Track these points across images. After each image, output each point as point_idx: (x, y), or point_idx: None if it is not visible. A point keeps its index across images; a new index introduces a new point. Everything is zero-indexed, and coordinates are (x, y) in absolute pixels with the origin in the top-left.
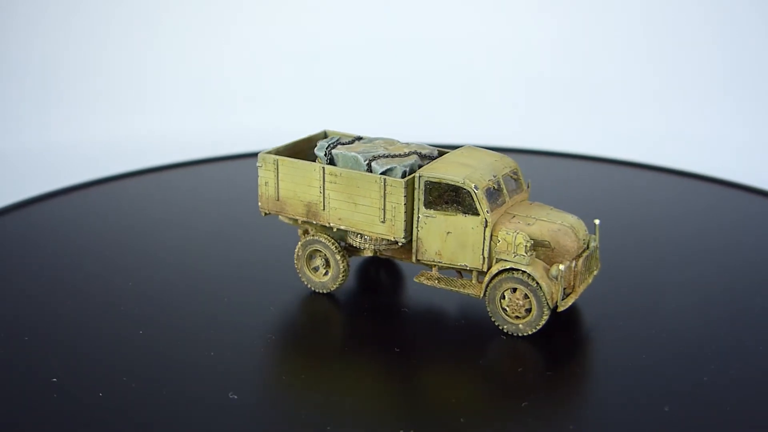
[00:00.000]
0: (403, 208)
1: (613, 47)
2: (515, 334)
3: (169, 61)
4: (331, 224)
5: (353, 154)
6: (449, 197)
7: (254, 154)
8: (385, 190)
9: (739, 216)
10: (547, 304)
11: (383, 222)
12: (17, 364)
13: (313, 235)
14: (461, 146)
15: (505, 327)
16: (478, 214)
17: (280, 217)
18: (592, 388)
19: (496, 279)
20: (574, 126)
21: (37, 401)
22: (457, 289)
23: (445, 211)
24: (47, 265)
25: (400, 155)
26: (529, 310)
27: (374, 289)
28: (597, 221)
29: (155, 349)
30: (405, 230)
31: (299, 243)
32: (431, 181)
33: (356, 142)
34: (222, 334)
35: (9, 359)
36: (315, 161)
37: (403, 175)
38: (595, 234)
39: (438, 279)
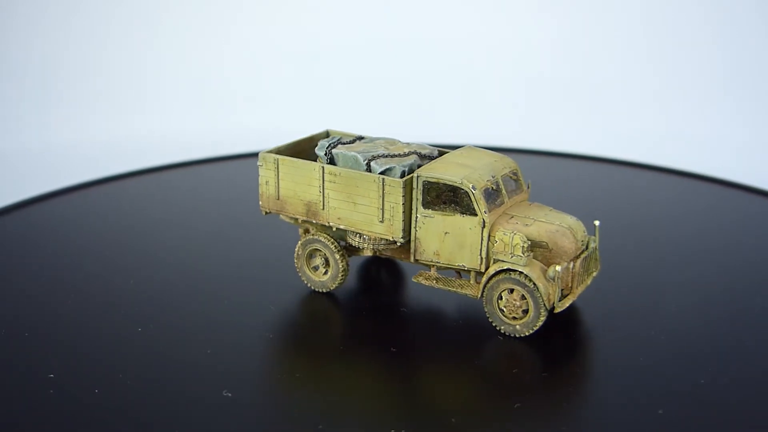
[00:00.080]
0: (401, 208)
1: (613, 47)
2: (512, 335)
3: (169, 61)
4: (331, 223)
5: (353, 153)
6: (447, 197)
7: (254, 154)
8: (383, 189)
9: (739, 216)
10: (544, 305)
11: (382, 222)
12: (17, 364)
13: (312, 235)
14: (462, 146)
15: (502, 328)
16: (475, 215)
17: (281, 216)
18: (590, 388)
19: (494, 279)
20: (574, 126)
21: (37, 401)
22: (454, 289)
23: (443, 211)
24: (47, 265)
25: (399, 155)
26: (526, 311)
27: (374, 289)
28: (597, 222)
29: (155, 348)
30: (403, 230)
31: (299, 242)
32: (429, 181)
33: (357, 141)
34: (222, 334)
35: (9, 359)
36: (316, 161)
37: (402, 175)
38: (594, 235)
39: (436, 279)
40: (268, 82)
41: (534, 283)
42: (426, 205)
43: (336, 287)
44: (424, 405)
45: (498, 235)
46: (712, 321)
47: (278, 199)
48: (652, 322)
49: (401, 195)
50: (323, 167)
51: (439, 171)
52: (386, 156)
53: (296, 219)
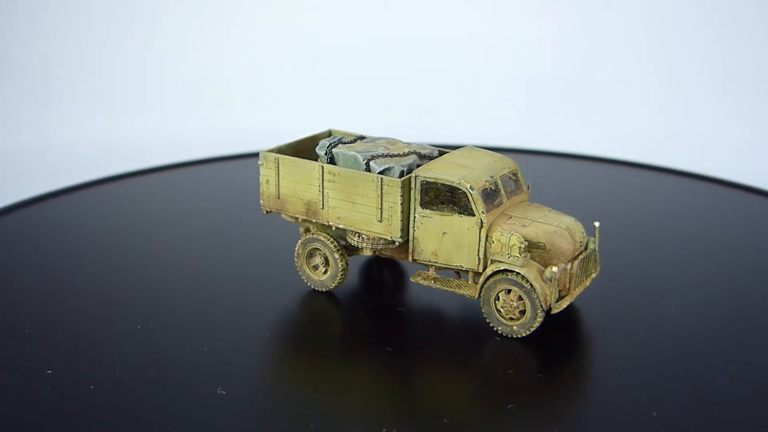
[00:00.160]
0: (399, 208)
1: (613, 47)
2: (510, 336)
3: (169, 61)
4: (330, 223)
5: (353, 153)
6: (445, 197)
7: (254, 154)
8: (382, 189)
9: (739, 216)
10: (541, 306)
11: (380, 221)
12: (17, 363)
13: (312, 234)
14: (462, 146)
15: (499, 328)
16: (473, 215)
17: (282, 215)
18: (589, 388)
19: (491, 280)
20: (574, 126)
21: (37, 401)
22: (452, 289)
23: (441, 211)
24: (47, 265)
25: (398, 155)
26: (523, 312)
27: (375, 289)
28: (597, 223)
29: (155, 348)
30: (402, 230)
31: (299, 241)
32: (428, 181)
33: (358, 141)
34: (222, 334)
35: (9, 359)
36: (317, 160)
37: (401, 175)
38: (594, 236)
39: (434, 279)
40: (268, 82)
41: (531, 284)
42: (424, 205)
43: (335, 286)
44: (418, 405)
45: (495, 235)
46: (712, 321)
47: (279, 198)
48: (652, 322)
49: (399, 195)
50: (323, 167)
51: (437, 171)
52: (386, 156)
53: (297, 218)
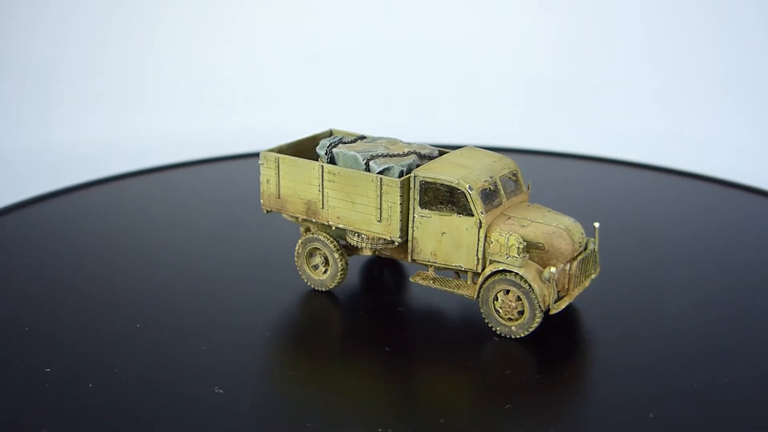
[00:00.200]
0: (398, 208)
1: (613, 47)
2: (508, 336)
3: (169, 61)
4: (330, 222)
5: (353, 153)
6: (444, 197)
7: (254, 154)
8: (381, 189)
9: (739, 216)
10: (539, 306)
11: (380, 221)
12: (17, 363)
13: (312, 233)
14: (462, 146)
15: (498, 329)
16: (472, 215)
17: (283, 214)
18: (589, 388)
19: (490, 280)
20: (574, 126)
21: (36, 401)
22: (451, 289)
23: (440, 211)
24: (47, 265)
25: (398, 155)
26: (521, 313)
27: (375, 288)
28: (597, 224)
29: (155, 348)
30: (401, 230)
31: (299, 241)
32: (426, 181)
33: (359, 141)
34: (222, 334)
35: (9, 359)
36: (318, 160)
37: (400, 175)
38: (594, 237)
39: (433, 279)
40: (268, 82)
41: (529, 285)
42: (423, 205)
43: (335, 286)
44: (415, 405)
45: (494, 235)
46: (712, 321)
47: (279, 197)
48: (652, 322)
49: (399, 195)
50: (322, 166)
51: (436, 171)
52: (385, 156)
53: (297, 218)
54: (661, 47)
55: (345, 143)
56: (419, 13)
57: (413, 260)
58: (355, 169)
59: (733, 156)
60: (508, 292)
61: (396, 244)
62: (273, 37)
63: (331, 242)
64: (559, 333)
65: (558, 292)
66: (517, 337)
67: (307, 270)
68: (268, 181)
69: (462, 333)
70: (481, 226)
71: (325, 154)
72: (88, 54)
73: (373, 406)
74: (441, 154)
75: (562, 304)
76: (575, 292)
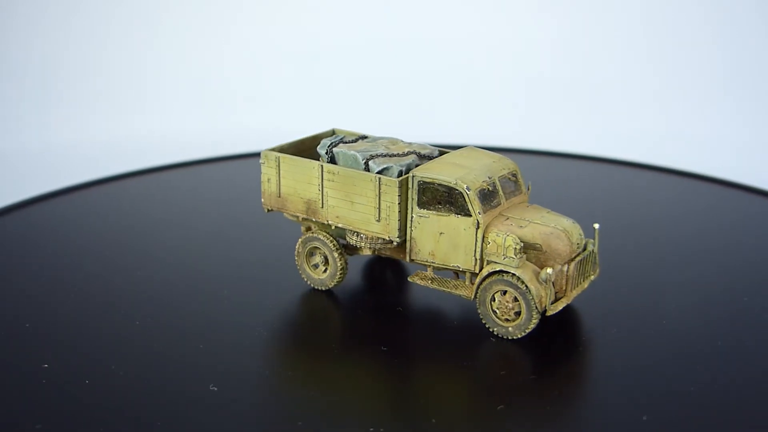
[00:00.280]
0: (397, 208)
1: (613, 47)
2: (505, 337)
3: (169, 61)
4: (330, 222)
5: (353, 152)
6: (442, 198)
7: (254, 154)
8: (379, 189)
9: (739, 216)
10: (536, 307)
11: (378, 221)
12: (17, 363)
13: (312, 233)
14: (463, 146)
15: (495, 329)
16: (470, 216)
17: (284, 213)
18: (584, 390)
19: (487, 281)
20: (574, 126)
21: (36, 401)
22: (449, 290)
23: (438, 211)
24: (47, 265)
25: (398, 155)
26: (518, 313)
27: (375, 288)
28: (596, 226)
29: (155, 348)
30: (399, 229)
31: (299, 240)
32: (425, 181)
33: (360, 141)
34: (222, 334)
35: (9, 359)
36: (319, 159)
37: (399, 175)
38: (594, 238)
39: (431, 279)
40: (268, 82)
41: (526, 286)
42: (421, 205)
43: (335, 285)
44: (408, 405)
45: (491, 236)
46: (712, 321)
47: (279, 196)
48: (652, 322)
49: (397, 194)
50: (322, 166)
51: (434, 171)
52: (385, 155)
53: (297, 217)
54: (661, 47)
55: (346, 143)
56: (419, 13)
57: (411, 260)
58: (355, 168)
59: (733, 156)
60: (505, 292)
61: (395, 243)
62: (273, 37)
63: (331, 241)
64: (558, 334)
65: (555, 293)
66: (514, 338)
67: (307, 269)
68: (268, 180)
69: (460, 333)
70: (478, 227)
71: (326, 153)
72: (88, 54)
73: (367, 406)
74: (441, 154)
75: (559, 306)
76: (573, 294)
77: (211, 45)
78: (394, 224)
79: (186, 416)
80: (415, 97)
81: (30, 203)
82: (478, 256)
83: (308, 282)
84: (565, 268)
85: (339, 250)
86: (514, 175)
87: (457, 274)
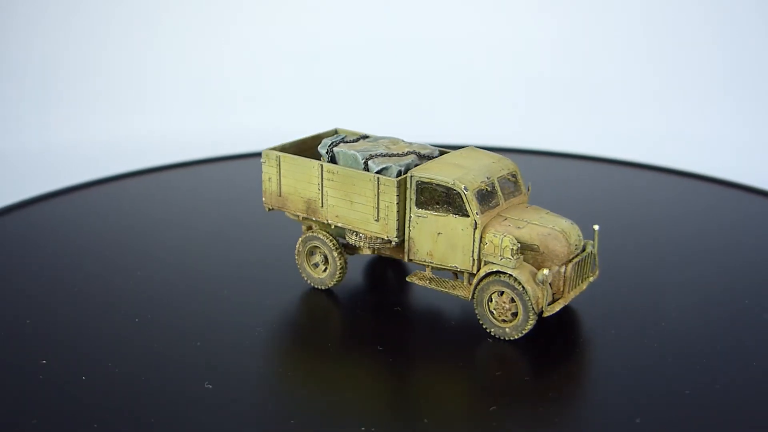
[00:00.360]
0: (395, 207)
1: (613, 47)
2: (502, 338)
3: (169, 61)
4: (329, 221)
5: (353, 152)
6: (440, 198)
7: (254, 154)
8: (378, 188)
9: (739, 216)
10: (533, 308)
11: (377, 220)
12: (17, 363)
13: (312, 232)
14: (463, 147)
15: (492, 330)
16: (468, 216)
17: (286, 213)
18: (579, 391)
19: (484, 281)
20: (574, 126)
21: (34, 398)
22: (447, 290)
23: (436, 211)
24: (47, 265)
25: (397, 155)
26: (515, 314)
27: (376, 288)
28: (596, 227)
29: (155, 348)
30: (398, 229)
31: (300, 239)
32: (423, 181)
33: (361, 140)
34: (222, 334)
35: (9, 359)
36: (320, 159)
37: (398, 175)
38: (593, 240)
39: (430, 279)
40: (268, 82)
41: (523, 286)
42: (419, 205)
43: (334, 285)
44: (401, 405)
45: (488, 236)
46: (712, 321)
47: (280, 195)
48: (652, 322)
49: (395, 194)
50: (322, 165)
51: (432, 171)
52: (384, 155)
53: (298, 216)
54: (661, 47)
55: (347, 142)
56: (419, 13)
57: (409, 260)
58: (355, 168)
59: (733, 156)
60: (502, 293)
61: (393, 243)
62: (273, 37)
63: (331, 241)
64: (556, 335)
65: (553, 294)
66: (511, 338)
67: (307, 268)
68: (269, 179)
69: (457, 333)
70: (476, 227)
71: (326, 152)
72: (88, 54)
73: (365, 406)
74: (441, 154)
75: (556, 307)
76: (570, 295)
77: (211, 45)
78: (393, 224)
79: (186, 416)
80: (415, 97)
81: (30, 203)
82: (475, 257)
83: (308, 281)
84: (563, 269)
85: (338, 250)
86: (514, 176)
87: (456, 274)
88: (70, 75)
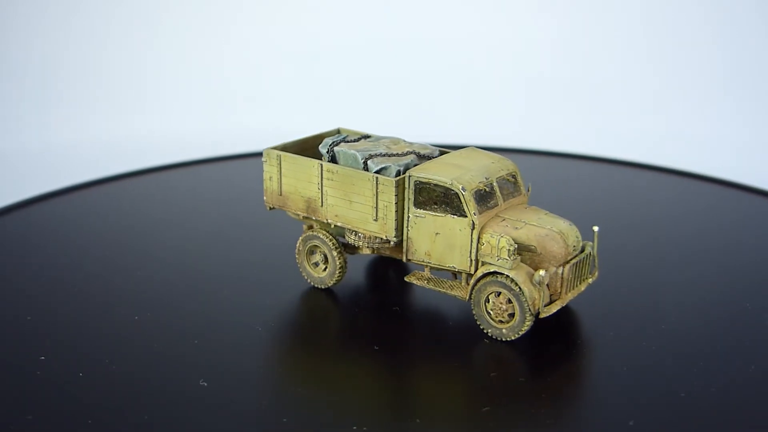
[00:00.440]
0: (393, 207)
1: (613, 47)
2: (499, 339)
3: (169, 61)
4: (329, 220)
5: (353, 152)
6: (438, 198)
7: (254, 154)
8: (377, 188)
9: (739, 216)
10: (529, 309)
11: (376, 220)
12: (18, 363)
13: (313, 231)
14: (464, 147)
15: (489, 331)
16: (465, 216)
17: (287, 212)
18: (574, 392)
19: (481, 282)
20: (574, 126)
21: (33, 398)
22: (444, 290)
23: (434, 211)
24: (47, 265)
25: (397, 154)
26: (512, 315)
27: (377, 288)
28: (596, 228)
29: (155, 348)
30: (396, 229)
31: (300, 238)
32: (421, 181)
33: (362, 140)
34: (221, 334)
35: (9, 360)
36: (321, 158)
37: (397, 175)
38: (593, 241)
39: (428, 279)
40: (268, 82)
41: (519, 287)
42: (418, 205)
43: (334, 284)
44: (394, 405)
45: (485, 237)
46: (712, 321)
47: (281, 194)
48: (652, 322)
49: (394, 194)
50: (321, 165)
51: (431, 171)
52: (384, 155)
53: (299, 215)
54: (661, 47)
55: (348, 142)
56: (419, 13)
57: (408, 260)
58: (355, 167)
59: (733, 156)
60: (499, 294)
61: (392, 243)
62: (273, 37)
63: (330, 240)
64: (554, 335)
65: (550, 295)
66: (508, 339)
67: (308, 267)
68: (270, 178)
69: (455, 334)
70: (474, 228)
71: (327, 152)
72: (88, 54)
73: (357, 405)
74: (442, 154)
75: (553, 308)
76: (568, 296)
77: (211, 45)
78: (391, 224)
79: (186, 416)
80: (415, 97)
81: (30, 203)
82: (473, 257)
83: (308, 280)
84: (560, 270)
85: (338, 249)
86: (514, 176)
87: (455, 274)
88: (70, 75)
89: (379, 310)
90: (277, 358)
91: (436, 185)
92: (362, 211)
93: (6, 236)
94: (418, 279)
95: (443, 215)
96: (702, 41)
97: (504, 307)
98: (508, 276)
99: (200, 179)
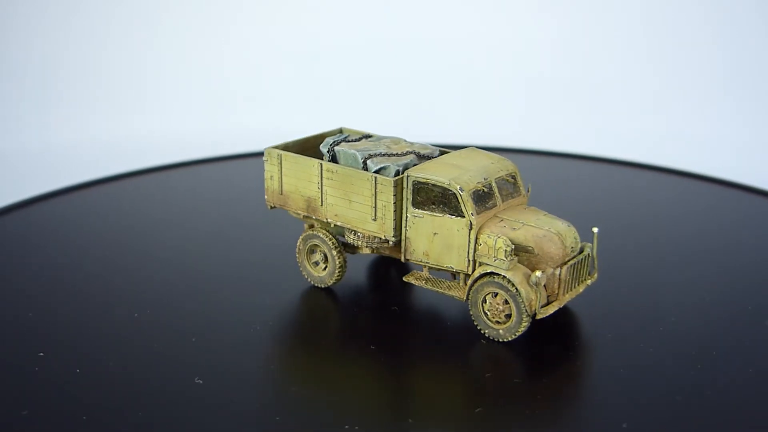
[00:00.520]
0: (392, 207)
1: (613, 47)
2: (496, 339)
3: (169, 61)
4: (329, 220)
5: (353, 151)
6: (436, 198)
7: (254, 154)
8: (376, 188)
9: (739, 216)
10: (526, 310)
11: (374, 220)
12: (17, 363)
13: (313, 230)
14: (464, 147)
15: (486, 331)
16: (463, 216)
17: (288, 211)
18: (572, 393)
19: (478, 282)
20: (574, 126)
21: (36, 402)
22: (442, 290)
23: (432, 211)
24: (47, 265)
25: (397, 154)
26: (509, 316)
27: (377, 288)
28: (595, 229)
29: (155, 348)
30: (395, 229)
31: (300, 237)
32: (419, 181)
33: (363, 140)
34: (222, 334)
35: (9, 360)
36: (322, 157)
37: (396, 174)
38: (592, 242)
39: (426, 279)
40: (268, 82)
41: (516, 288)
42: (416, 205)
43: (334, 283)
44: (387, 404)
45: (482, 237)
46: (712, 321)
47: (281, 194)
48: (652, 322)
49: (392, 194)
50: (321, 164)
51: (429, 171)
52: (384, 155)
53: (300, 214)
54: (661, 47)
55: (349, 141)
56: (419, 13)
57: (406, 260)
58: (355, 167)
59: (733, 156)
60: (496, 294)
61: (391, 243)
62: (273, 37)
63: (330, 239)
64: (553, 336)
65: (548, 296)
66: (505, 340)
67: (308, 266)
68: (271, 177)
69: (453, 334)
70: (471, 228)
71: (327, 152)
72: (88, 54)
73: (353, 405)
74: (442, 154)
75: (550, 309)
76: (566, 298)
77: (211, 45)
78: (390, 223)
79: (185, 415)
80: (415, 97)
81: (30, 203)
82: (471, 258)
83: (308, 279)
84: (558, 271)
85: (338, 248)
86: (513, 177)
87: (453, 274)
88: (70, 75)
89: (379, 310)
90: (276, 357)
91: (434, 185)
92: (361, 210)
93: (6, 236)
94: (416, 279)
95: (441, 215)
96: (702, 41)
97: (501, 307)
98: (504, 277)
99: (200, 179)
